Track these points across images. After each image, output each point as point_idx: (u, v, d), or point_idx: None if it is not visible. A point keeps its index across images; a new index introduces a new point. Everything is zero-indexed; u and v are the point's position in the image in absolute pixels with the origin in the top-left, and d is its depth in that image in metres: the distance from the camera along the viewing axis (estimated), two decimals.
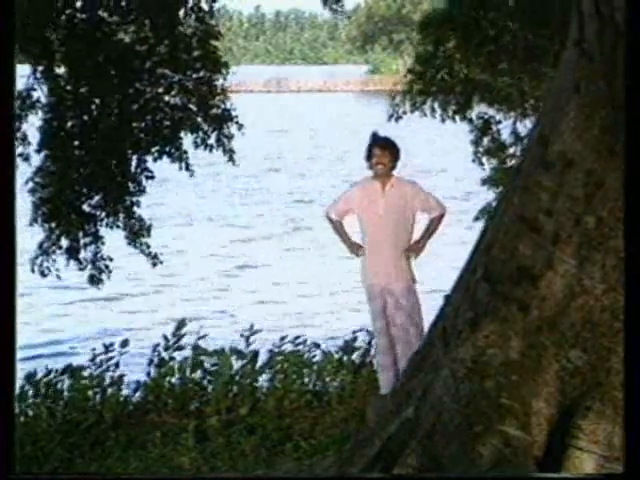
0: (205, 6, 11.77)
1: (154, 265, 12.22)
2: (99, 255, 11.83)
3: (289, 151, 45.69)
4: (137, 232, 11.90)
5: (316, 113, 65.78)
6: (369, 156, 7.78)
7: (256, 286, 21.67)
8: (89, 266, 11.82)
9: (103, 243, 11.77)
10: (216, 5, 12.06)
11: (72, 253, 11.66)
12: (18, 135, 10.86)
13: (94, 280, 11.97)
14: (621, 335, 4.00)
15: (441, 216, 7.81)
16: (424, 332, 7.70)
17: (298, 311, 19.26)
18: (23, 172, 10.89)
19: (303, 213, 30.25)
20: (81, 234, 11.62)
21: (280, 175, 39.40)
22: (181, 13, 11.69)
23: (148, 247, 12.05)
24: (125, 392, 8.91)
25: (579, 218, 4.14)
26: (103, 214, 11.68)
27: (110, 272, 11.94)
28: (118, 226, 11.84)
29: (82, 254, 11.74)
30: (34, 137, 11.25)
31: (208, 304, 20.06)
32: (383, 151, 7.70)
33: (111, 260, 11.92)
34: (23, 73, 10.86)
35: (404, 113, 12.61)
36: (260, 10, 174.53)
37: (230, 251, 25.65)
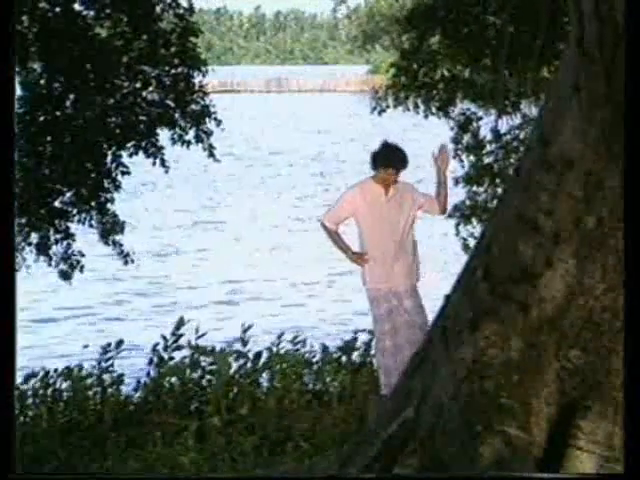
0: (184, 2, 11.74)
1: (125, 264, 12.14)
2: (70, 252, 11.77)
3: (296, 151, 45.61)
4: (110, 230, 11.83)
5: (316, 113, 65.74)
6: (382, 165, 7.66)
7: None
8: (60, 262, 11.75)
9: (74, 240, 11.71)
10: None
11: (42, 249, 11.62)
12: None
13: (65, 275, 11.91)
14: (621, 335, 4.00)
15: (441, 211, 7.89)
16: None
17: None
18: None
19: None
20: (52, 230, 11.56)
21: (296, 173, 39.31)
22: (159, 9, 11.64)
23: (120, 246, 11.99)
24: (125, 392, 8.92)
25: (579, 218, 4.14)
26: (75, 210, 11.60)
27: (82, 268, 11.86)
28: (92, 225, 11.77)
29: (53, 249, 11.67)
30: None
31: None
32: (399, 171, 7.68)
33: (82, 256, 11.84)
34: None
35: (387, 107, 12.62)
36: (260, 10, 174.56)
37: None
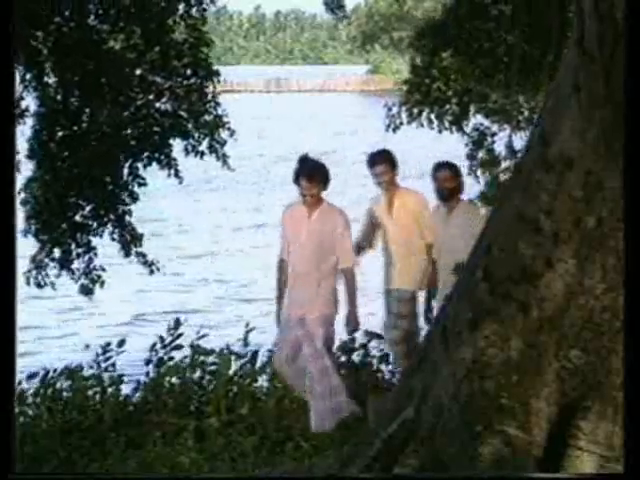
0: (196, 13, 11.77)
1: (151, 273, 12.17)
2: (92, 265, 11.79)
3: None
4: (129, 242, 11.85)
5: (316, 113, 65.58)
6: (297, 181, 7.31)
7: None
8: (82, 277, 11.79)
9: (96, 254, 11.75)
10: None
11: (64, 264, 11.64)
12: None
13: (86, 290, 11.93)
14: (621, 335, 4.00)
15: (351, 269, 7.41)
16: (335, 363, 7.51)
17: None
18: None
19: None
20: (73, 245, 11.59)
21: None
22: (171, 21, 11.69)
23: (144, 256, 12.01)
24: (125, 392, 8.91)
25: (579, 218, 4.14)
26: (95, 224, 11.65)
27: (102, 283, 11.89)
28: (114, 239, 11.81)
29: (75, 264, 11.72)
30: (23, 146, 11.18)
31: None
32: (311, 181, 7.25)
33: (104, 270, 11.86)
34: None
35: (401, 124, 12.66)
36: (260, 10, 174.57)
37: None
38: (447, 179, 7.72)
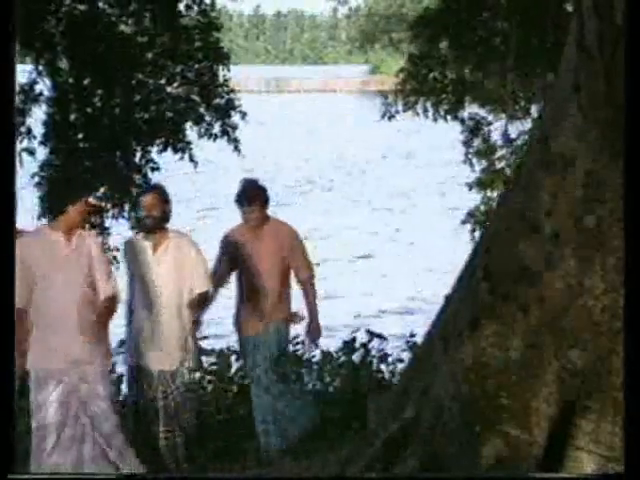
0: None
1: None
2: (105, 247, 11.81)
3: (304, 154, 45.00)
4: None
5: (316, 113, 65.54)
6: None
7: None
8: None
9: (109, 234, 11.78)
10: (216, 3, 12.14)
11: None
12: (22, 129, 10.87)
13: None
14: (621, 335, 4.00)
15: (110, 297, 6.28)
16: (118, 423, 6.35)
17: None
18: (29, 166, 10.86)
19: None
20: (87, 227, 11.61)
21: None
22: (182, 5, 11.77)
23: None
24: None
25: (579, 218, 4.14)
26: (109, 205, 11.68)
27: (118, 263, 11.90)
28: (123, 216, 11.83)
29: None
30: (38, 130, 11.27)
31: None
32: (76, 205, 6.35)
33: (117, 251, 11.87)
34: (26, 68, 10.93)
35: (397, 112, 12.67)
36: (260, 10, 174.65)
37: None
38: (154, 205, 6.89)
